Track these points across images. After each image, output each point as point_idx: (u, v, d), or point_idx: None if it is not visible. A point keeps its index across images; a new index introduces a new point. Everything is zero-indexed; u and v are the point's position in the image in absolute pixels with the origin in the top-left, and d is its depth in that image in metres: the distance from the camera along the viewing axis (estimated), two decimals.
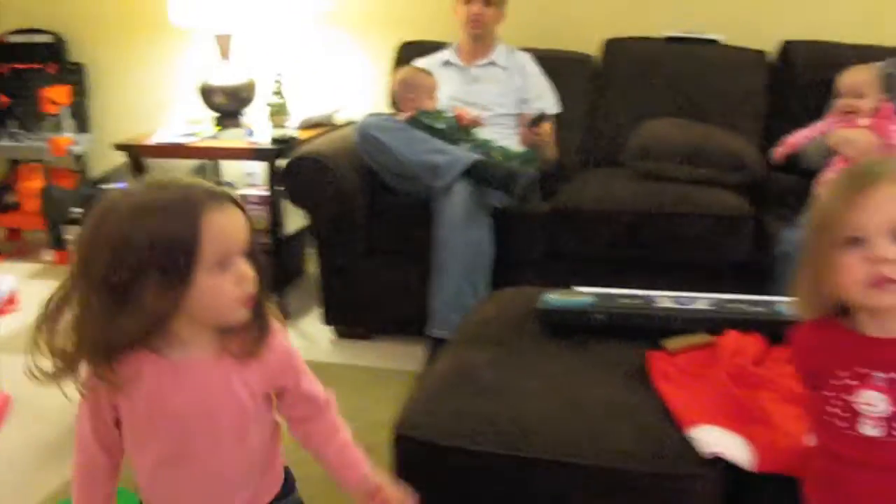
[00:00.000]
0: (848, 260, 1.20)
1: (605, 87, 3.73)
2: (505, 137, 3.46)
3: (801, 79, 3.50)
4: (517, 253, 3.16)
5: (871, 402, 1.22)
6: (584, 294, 2.13)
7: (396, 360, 3.23)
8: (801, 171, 3.13)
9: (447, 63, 3.65)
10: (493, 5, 3.54)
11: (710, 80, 3.59)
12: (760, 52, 3.65)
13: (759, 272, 2.86)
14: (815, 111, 3.22)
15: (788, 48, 3.61)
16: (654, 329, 1.99)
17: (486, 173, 3.03)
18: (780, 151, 3.17)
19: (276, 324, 1.36)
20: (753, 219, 3.03)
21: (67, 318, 1.24)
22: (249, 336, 1.31)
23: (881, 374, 1.22)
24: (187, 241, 1.19)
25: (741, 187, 3.14)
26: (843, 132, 3.02)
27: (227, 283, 1.23)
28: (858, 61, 3.18)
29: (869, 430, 1.23)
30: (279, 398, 1.43)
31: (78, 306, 1.23)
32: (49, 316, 1.24)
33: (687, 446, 1.63)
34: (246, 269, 1.26)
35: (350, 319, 3.45)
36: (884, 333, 1.25)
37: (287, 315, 3.54)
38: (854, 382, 1.24)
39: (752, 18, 3.76)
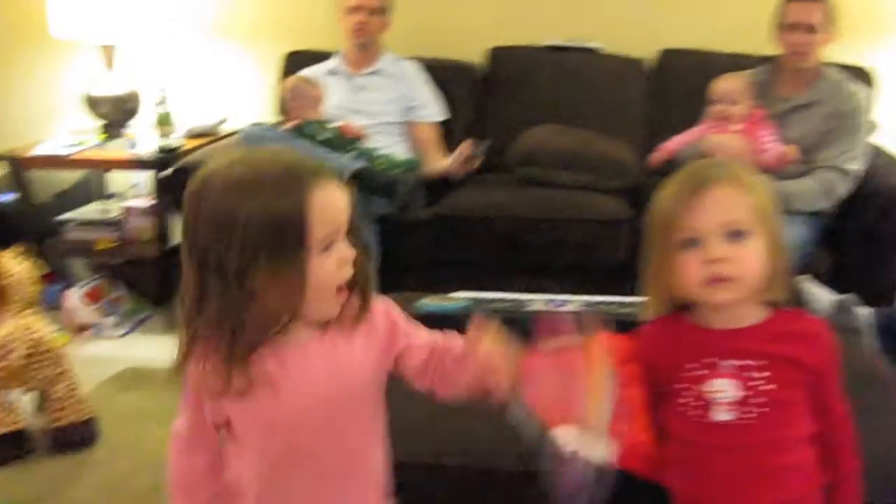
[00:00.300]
0: (685, 260, 1.26)
1: (491, 94, 3.79)
2: (391, 145, 3.50)
3: (679, 86, 3.62)
4: (403, 259, 3.19)
5: (722, 389, 1.28)
6: (460, 299, 2.16)
7: None
8: None
9: (334, 72, 3.66)
10: (378, 14, 3.58)
11: (591, 87, 3.69)
12: (638, 60, 3.76)
13: (637, 275, 2.92)
14: (692, 117, 3.32)
15: (667, 56, 3.73)
16: (526, 331, 2.02)
17: (368, 181, 3.06)
18: (657, 157, 3.25)
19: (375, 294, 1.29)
20: (632, 223, 3.10)
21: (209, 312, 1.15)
22: (352, 306, 1.23)
23: (728, 363, 1.28)
24: (297, 219, 1.11)
25: (621, 192, 3.22)
26: (717, 138, 3.12)
27: (329, 266, 1.15)
28: (733, 69, 3.29)
29: (722, 415, 1.29)
30: (399, 363, 1.35)
31: (214, 300, 1.14)
32: (189, 316, 1.17)
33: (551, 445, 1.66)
34: (348, 251, 1.18)
35: None
36: (726, 325, 1.33)
37: (174, 326, 3.49)
38: (703, 372, 1.30)
39: (633, 28, 3.87)
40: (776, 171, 3.00)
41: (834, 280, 2.92)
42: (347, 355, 1.25)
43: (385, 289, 3.03)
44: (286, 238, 1.10)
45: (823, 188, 2.99)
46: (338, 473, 1.28)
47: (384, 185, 3.04)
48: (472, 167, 3.36)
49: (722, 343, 1.30)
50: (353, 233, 1.20)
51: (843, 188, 3.01)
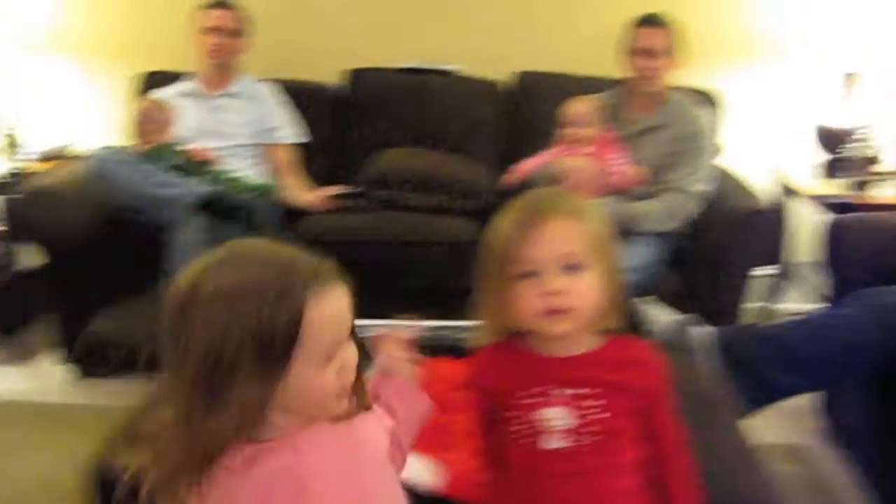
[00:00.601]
0: (523, 291, 1.26)
1: (348, 116, 3.78)
2: (246, 168, 3.46)
3: (534, 108, 3.67)
4: None
5: (554, 417, 1.28)
6: None
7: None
8: None
9: (188, 93, 3.60)
10: (234, 36, 3.53)
11: (447, 109, 3.71)
12: (493, 83, 3.80)
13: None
14: (547, 139, 3.36)
15: (522, 79, 3.78)
16: (362, 359, 2.00)
17: (217, 206, 3.01)
18: (510, 178, 3.29)
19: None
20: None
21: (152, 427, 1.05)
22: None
23: (561, 391, 1.29)
24: (288, 332, 1.01)
25: (472, 214, 3.23)
26: (567, 161, 3.17)
27: (329, 376, 1.06)
28: (586, 92, 3.35)
29: (554, 443, 1.29)
30: None
31: (170, 410, 1.03)
32: (133, 430, 1.06)
33: None
34: (350, 357, 1.10)
35: (91, 358, 3.31)
36: (560, 353, 1.33)
37: (25, 356, 3.38)
38: (535, 401, 1.30)
39: (490, 50, 3.92)
40: (624, 192, 3.06)
41: (682, 299, 2.98)
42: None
43: None
44: (273, 348, 1.01)
45: (669, 209, 3.06)
46: None
47: (234, 211, 3.00)
48: (342, 206, 3.34)
49: (556, 371, 1.31)
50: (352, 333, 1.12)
51: (688, 209, 3.09)
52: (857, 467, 2.64)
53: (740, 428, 1.88)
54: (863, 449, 2.61)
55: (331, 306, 1.05)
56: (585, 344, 1.34)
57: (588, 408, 1.28)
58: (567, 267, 1.26)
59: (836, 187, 3.37)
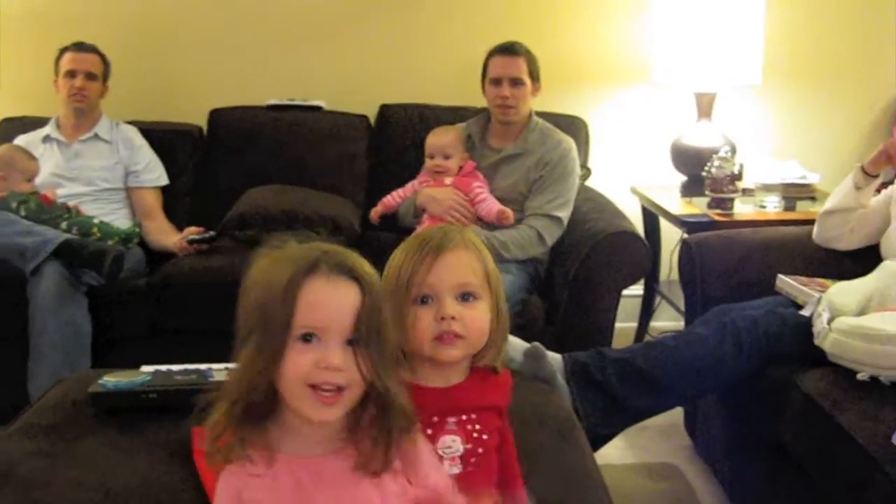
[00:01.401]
0: (419, 315, 1.33)
1: (212, 157, 3.74)
2: (110, 213, 3.41)
3: (398, 139, 3.68)
4: (121, 330, 3.09)
5: (450, 445, 1.36)
6: (143, 373, 2.09)
7: None
8: (404, 230, 3.25)
9: (48, 138, 3.53)
10: (95, 80, 3.48)
11: (315, 145, 3.70)
12: (363, 116, 3.80)
13: None
14: (412, 170, 3.37)
15: (385, 111, 3.80)
16: (206, 403, 1.97)
17: (74, 253, 2.95)
18: (375, 211, 3.30)
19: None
20: None
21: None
22: (373, 448, 1.18)
23: (452, 419, 1.37)
24: (284, 307, 1.11)
25: None
26: (428, 191, 3.18)
27: (304, 360, 1.12)
28: (451, 121, 3.38)
29: (448, 468, 1.36)
30: None
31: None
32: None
33: None
34: (329, 355, 1.12)
35: None
36: (446, 383, 1.41)
37: None
38: (430, 431, 1.36)
39: (354, 84, 3.92)
40: (493, 224, 3.08)
41: (546, 324, 3.01)
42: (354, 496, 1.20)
43: (103, 363, 2.96)
44: (271, 321, 1.12)
45: (535, 235, 3.08)
46: None
47: (89, 257, 2.94)
48: (200, 250, 3.29)
49: (445, 400, 1.38)
50: (364, 346, 1.15)
51: (552, 234, 3.12)
52: (719, 482, 2.69)
53: (589, 455, 1.88)
54: (723, 463, 2.66)
55: (316, 292, 1.12)
56: (459, 376, 1.43)
57: (472, 432, 1.38)
58: (462, 295, 1.34)
59: (697, 206, 3.42)
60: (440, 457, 1.36)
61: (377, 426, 1.19)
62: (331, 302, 1.14)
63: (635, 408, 2.39)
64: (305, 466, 1.19)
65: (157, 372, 2.10)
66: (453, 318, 1.32)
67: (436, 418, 1.37)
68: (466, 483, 1.36)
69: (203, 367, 2.13)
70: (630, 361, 2.38)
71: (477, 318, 1.35)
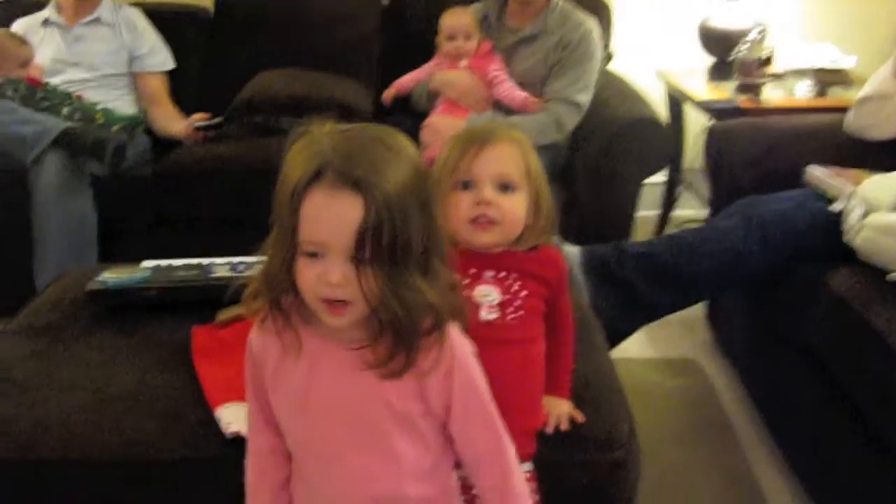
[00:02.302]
0: (458, 199, 1.40)
1: (219, 40, 3.60)
2: (114, 99, 3.29)
3: (414, 21, 3.53)
4: (127, 222, 3.01)
5: (486, 293, 1.43)
6: (143, 269, 2.02)
7: None
8: (418, 114, 3.14)
9: (48, 22, 3.39)
10: None
11: (327, 26, 3.55)
12: None
13: None
14: (426, 53, 3.23)
15: None
16: (207, 301, 1.90)
17: (74, 142, 2.85)
18: (388, 93, 3.18)
19: (454, 350, 1.16)
20: None
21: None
22: (389, 354, 1.12)
23: (490, 272, 1.45)
24: (290, 218, 1.06)
25: None
26: (444, 74, 3.05)
27: (309, 275, 1.08)
28: (463, 2, 3.21)
29: (485, 315, 1.42)
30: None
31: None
32: None
33: (213, 428, 1.56)
34: (329, 271, 1.06)
35: None
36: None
37: None
38: (471, 280, 1.43)
39: None
40: (517, 111, 2.96)
41: (567, 214, 2.91)
42: (370, 389, 1.16)
43: (109, 255, 2.90)
44: (284, 217, 1.08)
45: (553, 121, 2.96)
46: (344, 484, 1.22)
47: (91, 146, 2.84)
48: (207, 137, 3.18)
49: (484, 259, 1.44)
50: (374, 268, 1.07)
51: (572, 120, 2.99)
52: (740, 379, 2.62)
53: (606, 355, 1.81)
54: (744, 360, 2.59)
55: (316, 207, 1.05)
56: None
57: (510, 288, 1.44)
58: (501, 185, 1.40)
59: (724, 92, 3.28)
60: (477, 303, 1.42)
61: (394, 341, 1.12)
62: (329, 218, 1.06)
63: (656, 304, 2.31)
64: (323, 349, 1.18)
65: (157, 268, 2.02)
66: (489, 203, 1.38)
67: (473, 270, 1.44)
68: (505, 330, 1.42)
69: (206, 261, 2.05)
70: (651, 256, 2.29)
71: (513, 208, 1.41)
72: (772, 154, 2.56)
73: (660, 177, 3.47)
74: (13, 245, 2.95)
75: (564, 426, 1.54)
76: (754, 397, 2.49)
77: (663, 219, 3.80)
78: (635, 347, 2.74)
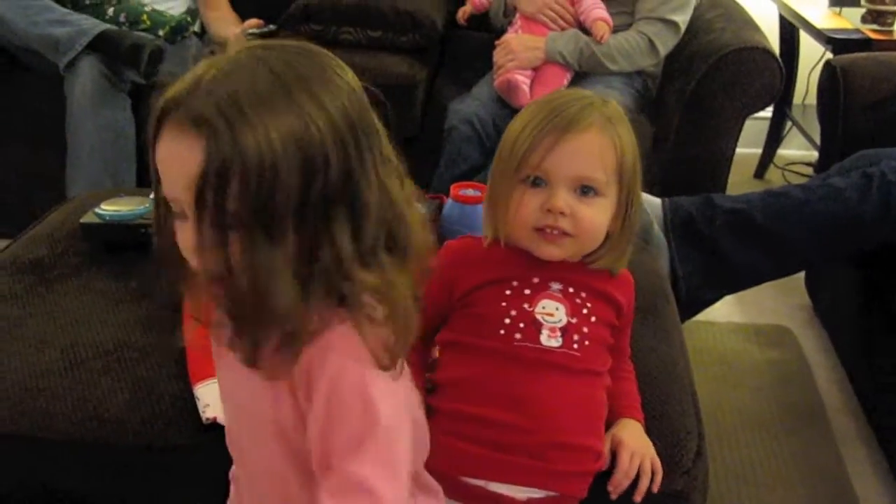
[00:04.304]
0: (525, 198, 1.15)
1: None
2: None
3: None
4: None
5: (552, 311, 1.18)
6: (149, 200, 1.75)
7: None
8: (497, 31, 2.82)
9: None
10: None
11: None
12: None
13: (433, 150, 2.56)
14: None
15: None
16: None
17: (110, 46, 2.59)
18: (464, 11, 2.90)
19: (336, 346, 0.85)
20: (427, 87, 2.70)
21: None
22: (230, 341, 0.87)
23: (556, 284, 1.19)
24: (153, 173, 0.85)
25: (414, 51, 2.80)
26: None
27: (182, 236, 0.84)
28: None
29: (546, 339, 1.16)
30: None
31: None
32: None
33: (189, 409, 1.31)
34: (188, 238, 0.82)
35: None
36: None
37: None
38: (533, 291, 1.19)
39: None
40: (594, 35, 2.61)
41: (653, 152, 2.57)
42: (243, 377, 0.91)
43: (143, 181, 2.66)
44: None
45: (645, 43, 2.61)
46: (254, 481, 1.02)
47: (127, 52, 2.57)
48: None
49: (551, 267, 1.19)
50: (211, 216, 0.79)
51: (666, 43, 2.63)
52: (839, 357, 2.29)
53: (678, 339, 1.51)
54: (846, 336, 2.25)
55: (161, 159, 0.82)
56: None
57: (579, 309, 1.19)
58: (581, 188, 1.14)
59: (848, 20, 2.88)
60: (538, 321, 1.16)
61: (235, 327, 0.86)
62: (170, 167, 0.81)
63: (747, 271, 2.00)
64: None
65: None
66: (562, 213, 1.13)
67: (537, 279, 1.19)
68: (566, 358, 1.16)
69: None
70: (746, 213, 1.97)
71: (592, 218, 1.15)
72: None
73: (765, 112, 3.10)
74: (48, 156, 2.73)
75: (644, 483, 1.19)
76: (855, 382, 2.16)
77: (766, 159, 3.43)
78: (721, 309, 2.41)
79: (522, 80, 2.53)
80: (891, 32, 2.77)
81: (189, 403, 1.31)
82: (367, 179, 0.84)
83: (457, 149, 2.50)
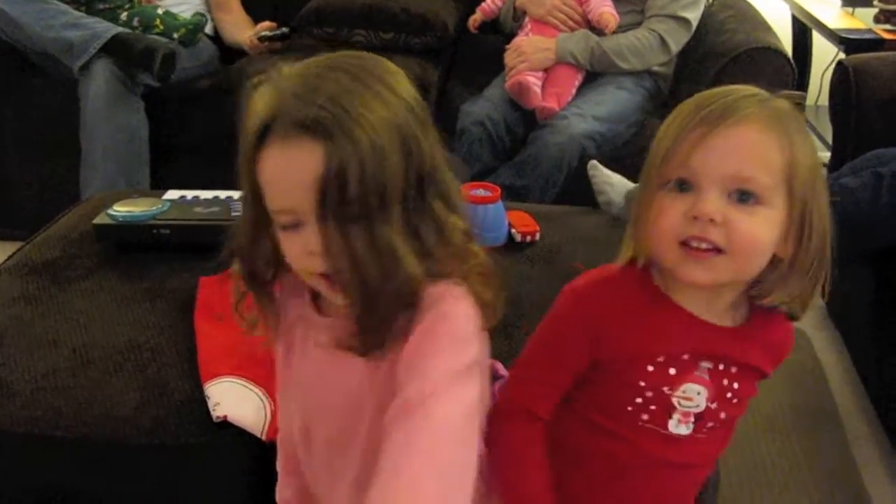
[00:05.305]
0: (667, 203, 0.93)
1: None
2: (181, 2, 3.02)
3: None
4: (183, 138, 2.77)
5: (691, 395, 1.00)
6: (161, 201, 1.76)
7: None
8: (510, 35, 2.83)
9: None
10: None
11: None
12: None
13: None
14: None
15: None
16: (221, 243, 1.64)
17: (124, 49, 2.60)
18: (474, 19, 2.92)
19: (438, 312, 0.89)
20: (440, 88, 2.71)
21: None
22: (355, 328, 0.90)
23: (707, 364, 1.00)
24: (251, 188, 0.90)
25: (427, 52, 2.80)
26: None
27: (293, 249, 0.89)
28: None
29: (676, 427, 1.01)
30: None
31: None
32: None
33: (200, 408, 1.31)
34: (313, 243, 0.85)
35: None
36: (712, 317, 0.99)
37: None
38: (680, 372, 0.99)
39: None
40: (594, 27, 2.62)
41: None
42: (341, 370, 0.96)
43: (163, 175, 2.68)
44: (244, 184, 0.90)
45: (656, 40, 2.60)
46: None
47: (140, 55, 2.58)
48: (273, 48, 2.90)
49: (697, 336, 0.99)
50: (354, 226, 0.84)
51: (678, 40, 2.63)
52: (852, 360, 2.27)
53: None
54: (860, 339, 2.23)
55: (272, 169, 0.85)
56: (728, 309, 1.00)
57: (723, 390, 1.00)
58: (738, 193, 0.91)
59: (861, 20, 2.86)
60: (672, 406, 1.00)
61: (362, 313, 0.89)
62: (284, 178, 0.84)
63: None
64: (305, 318, 1.00)
65: (178, 200, 1.77)
66: (712, 220, 0.90)
67: (687, 356, 0.99)
68: (682, 447, 1.02)
69: (235, 195, 1.78)
70: None
71: (752, 230, 0.91)
72: None
73: None
74: (63, 159, 2.74)
75: None
76: (869, 385, 2.14)
77: None
78: None
79: (534, 81, 2.53)
80: None
81: (200, 403, 1.32)
82: (441, 157, 0.90)
83: (469, 150, 2.50)
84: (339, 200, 0.81)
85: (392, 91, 0.86)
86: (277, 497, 1.15)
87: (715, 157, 0.90)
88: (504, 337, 1.40)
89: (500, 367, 1.30)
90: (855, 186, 1.90)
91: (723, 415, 1.01)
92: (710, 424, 1.01)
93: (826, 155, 2.72)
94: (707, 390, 0.99)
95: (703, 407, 1.00)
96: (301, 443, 1.07)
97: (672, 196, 0.93)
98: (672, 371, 0.98)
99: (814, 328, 2.43)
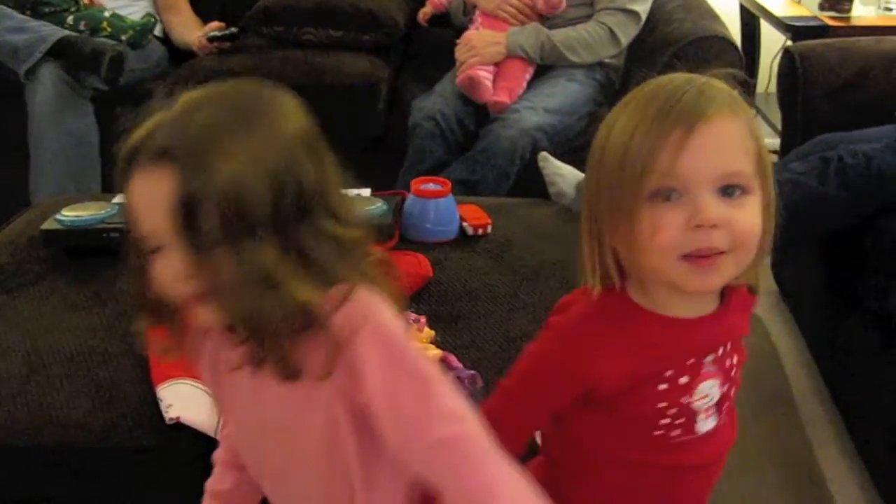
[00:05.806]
0: (662, 218, 0.88)
1: None
2: (128, 5, 3.00)
3: None
4: None
5: (706, 392, 0.99)
6: (111, 205, 1.75)
7: None
8: (459, 29, 2.82)
9: None
10: None
11: None
12: None
13: (398, 148, 2.56)
14: None
15: None
16: None
17: (71, 52, 2.58)
18: (424, 12, 2.92)
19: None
20: (391, 86, 2.70)
21: None
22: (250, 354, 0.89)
23: (709, 357, 0.98)
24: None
25: (377, 49, 2.80)
26: None
27: (159, 274, 0.86)
28: None
29: (703, 424, 1.00)
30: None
31: None
32: None
33: (152, 410, 1.30)
34: (164, 271, 0.84)
35: None
36: (697, 311, 0.97)
37: None
38: (690, 378, 0.97)
39: None
40: (546, 16, 2.62)
41: None
42: (264, 389, 0.92)
43: (109, 187, 2.65)
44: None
45: (606, 33, 2.62)
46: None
47: (88, 57, 2.56)
48: (222, 48, 2.88)
49: (694, 337, 0.98)
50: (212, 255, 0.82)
51: (627, 33, 2.64)
52: (806, 343, 2.30)
53: None
54: (812, 322, 2.26)
55: (133, 196, 0.85)
56: (712, 299, 0.99)
57: (728, 370, 1.00)
58: (725, 190, 0.89)
59: (806, 7, 2.89)
60: (693, 411, 0.98)
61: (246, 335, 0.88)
62: (141, 203, 0.84)
63: None
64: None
65: (120, 203, 1.75)
66: (715, 224, 0.87)
67: (692, 360, 0.97)
68: (708, 440, 1.01)
69: None
70: None
71: (748, 222, 0.89)
72: (859, 83, 2.22)
73: None
74: (11, 165, 2.71)
75: None
76: (822, 368, 2.16)
77: None
78: None
79: (485, 75, 2.54)
80: (848, 19, 2.79)
81: (152, 405, 1.31)
82: (334, 179, 0.88)
83: (421, 145, 2.50)
84: (194, 228, 0.80)
85: (272, 126, 0.85)
86: (208, 488, 1.11)
87: (702, 159, 0.87)
88: (456, 329, 1.40)
89: (452, 358, 1.30)
90: (803, 171, 1.92)
91: (732, 391, 1.02)
92: (726, 405, 1.01)
93: (776, 141, 2.75)
94: (717, 380, 0.99)
95: (718, 396, 0.99)
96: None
97: (663, 209, 0.88)
98: (683, 380, 0.97)
99: (768, 312, 2.46)
